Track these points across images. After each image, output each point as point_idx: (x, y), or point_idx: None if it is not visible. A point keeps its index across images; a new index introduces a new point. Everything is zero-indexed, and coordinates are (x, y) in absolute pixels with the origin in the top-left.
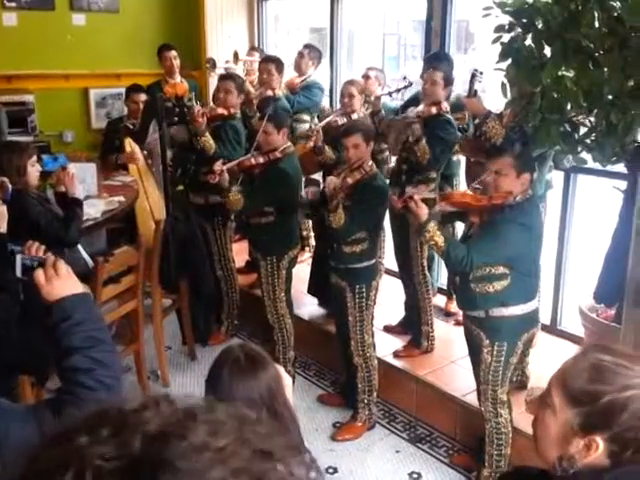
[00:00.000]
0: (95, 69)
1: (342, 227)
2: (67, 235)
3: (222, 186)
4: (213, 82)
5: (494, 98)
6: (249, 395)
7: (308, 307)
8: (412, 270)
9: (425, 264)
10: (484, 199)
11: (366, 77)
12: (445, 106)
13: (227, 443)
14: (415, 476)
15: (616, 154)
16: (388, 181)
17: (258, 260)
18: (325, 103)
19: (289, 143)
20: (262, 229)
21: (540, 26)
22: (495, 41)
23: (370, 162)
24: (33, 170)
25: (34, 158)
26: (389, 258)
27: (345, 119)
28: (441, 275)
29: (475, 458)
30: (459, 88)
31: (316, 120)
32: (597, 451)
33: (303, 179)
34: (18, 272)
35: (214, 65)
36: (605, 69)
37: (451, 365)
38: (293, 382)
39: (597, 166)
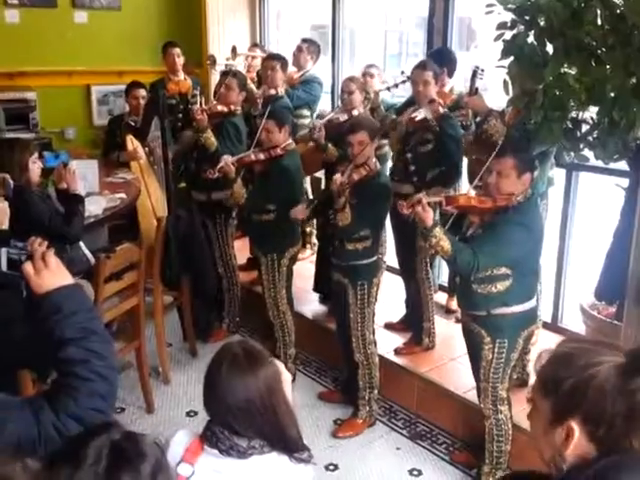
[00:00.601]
0: (97, 66)
1: (348, 225)
2: (69, 231)
3: (229, 177)
4: (215, 79)
5: (496, 95)
6: (247, 392)
7: (309, 304)
8: (415, 266)
9: (428, 260)
10: (488, 202)
11: (365, 75)
12: (441, 102)
13: None
14: (415, 473)
15: (618, 151)
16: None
17: (259, 257)
18: (325, 101)
19: (290, 140)
20: (263, 226)
21: (542, 23)
22: (497, 38)
23: (374, 159)
24: (34, 167)
25: (35, 155)
26: (389, 255)
27: (346, 115)
28: (442, 272)
29: (475, 455)
30: (460, 85)
31: (315, 116)
32: (574, 437)
33: (307, 178)
34: (3, 266)
35: (215, 62)
36: (607, 66)
37: (452, 362)
38: (294, 379)
39: (599, 163)
